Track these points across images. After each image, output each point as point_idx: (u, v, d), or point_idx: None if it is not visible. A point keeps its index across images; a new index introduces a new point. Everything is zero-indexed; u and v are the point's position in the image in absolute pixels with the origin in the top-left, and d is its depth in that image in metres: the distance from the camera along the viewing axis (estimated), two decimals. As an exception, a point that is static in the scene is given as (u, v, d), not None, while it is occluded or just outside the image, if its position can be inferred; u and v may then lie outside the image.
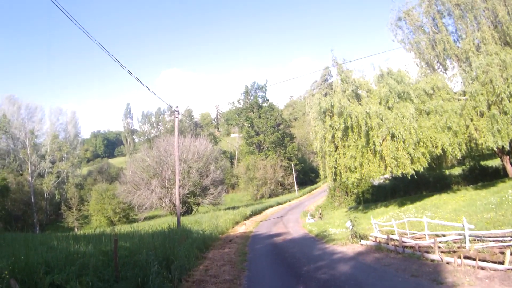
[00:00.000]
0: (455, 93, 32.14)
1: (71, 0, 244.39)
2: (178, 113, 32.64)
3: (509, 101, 26.58)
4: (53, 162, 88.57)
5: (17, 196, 76.26)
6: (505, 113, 26.58)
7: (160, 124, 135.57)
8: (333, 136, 32.21)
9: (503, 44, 30.44)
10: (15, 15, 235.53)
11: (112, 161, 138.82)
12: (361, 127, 30.52)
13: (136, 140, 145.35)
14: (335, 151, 32.70)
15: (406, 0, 36.68)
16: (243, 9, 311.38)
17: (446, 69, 35.10)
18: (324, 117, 33.05)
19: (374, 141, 29.76)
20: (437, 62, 35.09)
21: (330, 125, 32.17)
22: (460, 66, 32.26)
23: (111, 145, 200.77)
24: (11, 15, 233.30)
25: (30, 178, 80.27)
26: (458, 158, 32.07)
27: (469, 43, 30.91)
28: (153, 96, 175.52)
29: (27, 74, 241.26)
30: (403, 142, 28.55)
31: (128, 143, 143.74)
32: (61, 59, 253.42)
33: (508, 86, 26.72)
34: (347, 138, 31.87)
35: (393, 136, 28.94)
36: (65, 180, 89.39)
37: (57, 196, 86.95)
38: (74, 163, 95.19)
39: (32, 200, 78.16)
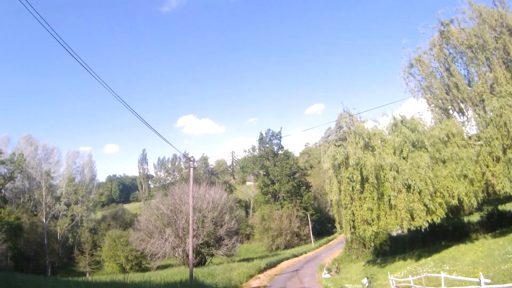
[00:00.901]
0: (470, 138, 31.72)
1: (91, 48, 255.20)
2: (194, 163, 32.59)
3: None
4: (68, 205, 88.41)
5: (30, 237, 75.77)
6: (520, 156, 25.95)
7: (175, 171, 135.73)
8: (351, 188, 31.47)
9: (515, 83, 30.04)
10: (38, 57, 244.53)
11: (127, 206, 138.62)
12: (377, 178, 30.00)
13: (151, 186, 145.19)
14: (352, 203, 31.91)
15: (417, 46, 36.72)
16: (259, 57, 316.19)
17: (460, 114, 34.76)
18: (339, 169, 32.56)
19: (389, 194, 29.03)
20: (451, 107, 34.74)
21: (346, 177, 31.60)
22: (475, 110, 31.85)
23: (126, 190, 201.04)
24: (34, 56, 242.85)
25: (44, 219, 79.89)
26: (475, 206, 31.28)
27: (482, 85, 30.76)
28: (169, 141, 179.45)
29: (46, 116, 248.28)
30: (419, 193, 27.85)
31: (143, 189, 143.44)
32: (81, 103, 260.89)
33: None
34: (363, 190, 31.17)
35: (408, 187, 28.28)
36: (79, 224, 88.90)
37: (70, 239, 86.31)
38: (89, 207, 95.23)
39: (45, 242, 77.60)
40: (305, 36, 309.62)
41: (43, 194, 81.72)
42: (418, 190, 27.83)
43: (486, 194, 29.68)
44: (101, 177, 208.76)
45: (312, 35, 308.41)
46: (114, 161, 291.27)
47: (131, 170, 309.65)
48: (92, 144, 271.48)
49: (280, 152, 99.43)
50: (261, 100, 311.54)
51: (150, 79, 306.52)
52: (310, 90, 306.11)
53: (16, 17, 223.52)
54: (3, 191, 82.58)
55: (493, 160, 27.54)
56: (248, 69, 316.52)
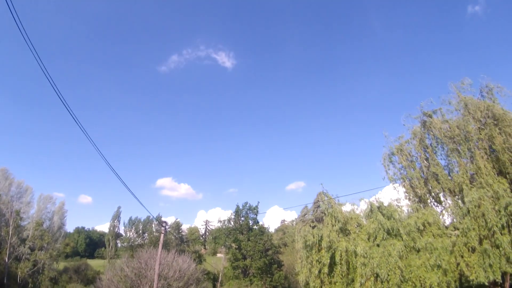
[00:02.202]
0: (447, 227, 31.44)
1: (80, 98, 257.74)
2: (166, 228, 31.56)
3: (501, 234, 25.90)
4: (32, 249, 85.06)
5: (-11, 273, 72.63)
6: (497, 247, 25.78)
7: (146, 233, 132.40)
8: (319, 271, 30.78)
9: (497, 174, 30.19)
10: (30, 96, 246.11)
11: (91, 262, 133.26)
12: (347, 263, 29.61)
13: (119, 245, 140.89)
14: (321, 286, 31.06)
15: (399, 135, 37.00)
16: (245, 129, 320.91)
17: (438, 203, 34.69)
18: (311, 250, 31.81)
19: (359, 281, 28.32)
20: (429, 196, 34.70)
21: (317, 260, 30.93)
22: (453, 200, 31.87)
23: (93, 244, 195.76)
24: (25, 94, 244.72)
25: (6, 259, 77.09)
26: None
27: (462, 176, 30.72)
28: (144, 202, 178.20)
29: (24, 152, 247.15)
30: (387, 282, 27.27)
31: (111, 247, 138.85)
32: (62, 149, 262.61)
33: (500, 218, 26.19)
34: (333, 274, 30.55)
35: (377, 276, 27.67)
36: (40, 271, 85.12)
37: (30, 284, 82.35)
38: (53, 256, 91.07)
39: (5, 282, 74.56)
40: (293, 112, 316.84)
41: (10, 233, 79.49)
42: (387, 279, 27.27)
43: (459, 284, 28.98)
44: (70, 227, 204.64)
45: (300, 113, 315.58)
46: (85, 212, 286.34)
47: (100, 223, 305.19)
48: (66, 191, 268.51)
49: (255, 227, 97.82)
50: (243, 172, 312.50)
51: (135, 135, 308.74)
52: (293, 167, 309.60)
53: (15, 54, 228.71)
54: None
55: (469, 250, 27.06)
56: (233, 140, 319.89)
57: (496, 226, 25.92)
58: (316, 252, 31.46)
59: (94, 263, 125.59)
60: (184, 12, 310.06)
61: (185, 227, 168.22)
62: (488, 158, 30.64)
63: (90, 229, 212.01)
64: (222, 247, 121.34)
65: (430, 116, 34.67)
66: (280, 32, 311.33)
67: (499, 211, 26.48)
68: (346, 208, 35.02)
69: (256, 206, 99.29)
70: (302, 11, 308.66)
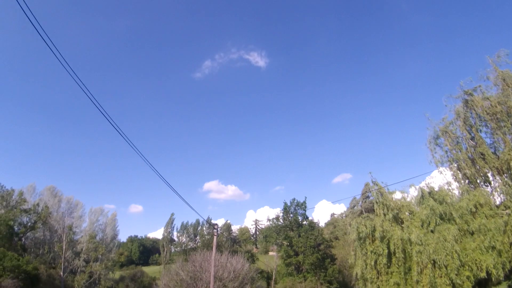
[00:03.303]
0: (498, 207, 30.83)
1: (123, 110, 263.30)
2: (217, 231, 32.20)
3: (553, 210, 25.07)
4: (87, 261, 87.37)
5: (47, 288, 74.63)
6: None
7: (197, 236, 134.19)
8: (375, 262, 30.62)
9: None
10: (72, 115, 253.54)
11: (145, 269, 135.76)
12: (404, 252, 29.24)
13: (172, 250, 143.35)
14: (378, 278, 30.82)
15: (442, 116, 36.55)
16: (286, 125, 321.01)
17: (488, 183, 33.98)
18: (365, 242, 31.66)
19: (416, 269, 28.10)
20: (478, 176, 34.03)
21: (371, 251, 30.76)
22: (502, 178, 31.33)
23: (146, 252, 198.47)
24: (67, 113, 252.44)
25: (62, 273, 79.16)
26: (502, 278, 29.91)
27: (509, 153, 30.33)
28: (193, 206, 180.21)
29: (72, 170, 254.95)
30: (446, 267, 27.00)
31: (165, 252, 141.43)
32: (109, 161, 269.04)
33: None
34: (390, 264, 30.26)
35: (434, 262, 27.43)
36: (97, 281, 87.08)
37: None
38: (108, 266, 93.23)
39: None
40: (333, 106, 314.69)
41: (63, 247, 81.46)
42: (445, 265, 27.01)
43: (514, 265, 28.57)
44: (122, 237, 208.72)
45: (339, 106, 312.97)
46: (137, 221, 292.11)
47: (152, 231, 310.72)
48: (116, 202, 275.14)
49: (304, 222, 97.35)
50: (287, 169, 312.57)
51: (180, 142, 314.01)
52: (338, 160, 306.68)
53: (52, 72, 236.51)
54: (23, 239, 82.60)
55: (522, 229, 26.65)
56: (275, 138, 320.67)
57: (548, 202, 25.40)
58: (370, 243, 31.28)
59: (149, 270, 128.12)
60: (213, 17, 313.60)
61: (235, 228, 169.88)
62: (533, 133, 30.08)
63: (143, 237, 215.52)
64: (274, 245, 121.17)
65: (471, 95, 34.18)
66: (309, 25, 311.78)
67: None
68: (397, 196, 34.76)
69: (304, 202, 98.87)
70: (330, 2, 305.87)
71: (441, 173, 35.86)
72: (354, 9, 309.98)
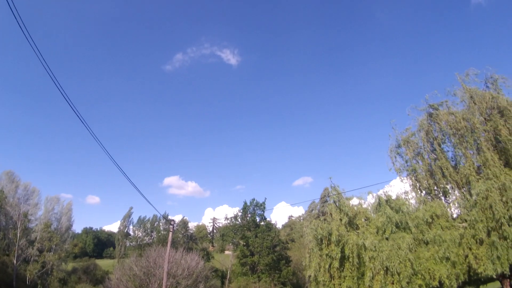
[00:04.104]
0: (454, 220, 31.47)
1: (86, 99, 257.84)
2: (173, 227, 31.72)
3: (509, 225, 25.90)
4: (40, 251, 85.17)
5: (-1, 276, 72.74)
6: (505, 238, 25.80)
7: (154, 231, 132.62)
8: (329, 266, 30.63)
9: (504, 165, 30.20)
10: (36, 97, 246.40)
11: (99, 262, 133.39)
12: (358, 257, 29.37)
13: (128, 244, 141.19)
14: (330, 281, 30.88)
15: (405, 127, 37.02)
16: (251, 126, 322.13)
17: (445, 195, 34.63)
18: (321, 245, 31.70)
19: (369, 274, 28.29)
20: (436, 188, 34.66)
21: (326, 254, 30.81)
22: (460, 192, 31.90)
23: (101, 245, 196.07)
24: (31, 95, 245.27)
25: (15, 261, 77.18)
26: (455, 288, 30.63)
27: (469, 168, 30.79)
28: (152, 200, 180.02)
29: (30, 154, 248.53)
30: (398, 275, 27.26)
31: (120, 246, 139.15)
32: (68, 150, 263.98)
33: (508, 210, 26.22)
34: (343, 268, 30.37)
35: (387, 269, 27.69)
36: (49, 272, 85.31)
37: (39, 286, 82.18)
38: (61, 257, 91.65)
39: (14, 284, 74.52)
40: (300, 110, 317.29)
41: (18, 235, 79.61)
42: (397, 272, 27.26)
43: (467, 276, 29.09)
44: (77, 228, 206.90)
45: (306, 110, 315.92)
46: (93, 213, 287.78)
47: (108, 223, 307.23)
48: (73, 192, 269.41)
49: (262, 223, 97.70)
50: (250, 169, 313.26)
51: (143, 134, 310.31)
52: (300, 163, 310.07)
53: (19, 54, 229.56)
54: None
55: (477, 242, 27.16)
56: (239, 137, 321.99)
57: (504, 217, 25.89)
58: (325, 246, 31.27)
59: (103, 263, 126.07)
60: (188, 11, 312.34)
61: (192, 225, 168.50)
62: (494, 150, 30.68)
63: (98, 229, 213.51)
64: (230, 244, 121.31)
65: (436, 108, 34.66)
66: (284, 27, 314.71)
67: (507, 203, 26.47)
68: (354, 202, 35.06)
69: (263, 203, 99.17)
70: (307, 5, 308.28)
71: (401, 181, 36.39)
72: (330, 18, 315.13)
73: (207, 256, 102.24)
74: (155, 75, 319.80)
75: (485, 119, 32.00)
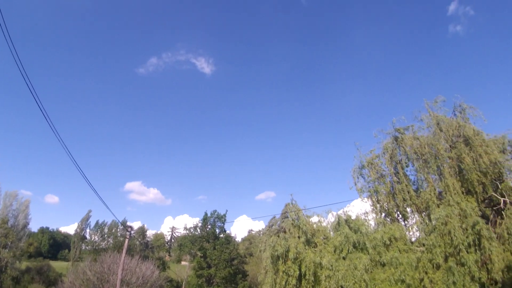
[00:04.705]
0: (413, 243, 31.62)
1: (52, 98, 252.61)
2: (130, 234, 30.81)
3: (467, 252, 25.88)
4: None
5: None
6: (462, 265, 25.70)
7: (111, 237, 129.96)
8: (285, 282, 30.24)
9: (465, 193, 30.48)
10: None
11: (54, 263, 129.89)
12: (315, 275, 29.29)
13: (83, 247, 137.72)
14: (286, 298, 30.64)
15: (370, 148, 37.15)
16: (216, 137, 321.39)
17: (405, 219, 34.75)
18: (278, 261, 31.36)
19: (324, 293, 28.22)
20: (397, 211, 34.74)
21: (283, 271, 30.44)
22: (420, 216, 32.19)
23: (56, 246, 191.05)
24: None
25: None
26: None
27: (430, 193, 30.98)
28: (111, 205, 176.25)
29: None
30: (354, 294, 27.13)
31: (76, 249, 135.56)
32: (30, 146, 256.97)
33: (467, 237, 26.21)
34: (299, 285, 30.08)
35: (342, 288, 27.52)
36: (3, 269, 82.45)
37: None
38: (16, 255, 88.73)
39: None
40: (268, 125, 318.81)
41: (-27, 230, 76.61)
42: (353, 292, 27.11)
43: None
44: (34, 227, 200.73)
45: (274, 125, 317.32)
46: (51, 212, 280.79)
47: (65, 225, 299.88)
48: (33, 189, 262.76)
49: (222, 235, 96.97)
50: (213, 179, 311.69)
51: (107, 136, 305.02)
52: (265, 177, 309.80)
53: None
54: None
55: (433, 267, 27.09)
56: (205, 147, 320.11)
57: (463, 244, 25.98)
58: (282, 263, 31.00)
59: (57, 265, 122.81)
60: (167, 16, 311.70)
61: (150, 233, 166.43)
62: (457, 177, 30.95)
63: (55, 230, 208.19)
64: (187, 255, 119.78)
65: (402, 133, 34.93)
66: (260, 41, 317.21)
67: (466, 230, 26.59)
68: (314, 219, 35.11)
69: (224, 215, 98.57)
70: (284, 20, 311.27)
71: (362, 200, 36.45)
72: (306, 34, 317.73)
73: (163, 266, 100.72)
74: (126, 77, 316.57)
75: (450, 146, 32.39)
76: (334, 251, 30.24)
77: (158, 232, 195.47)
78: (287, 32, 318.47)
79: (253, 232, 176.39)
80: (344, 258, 29.23)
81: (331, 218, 34.29)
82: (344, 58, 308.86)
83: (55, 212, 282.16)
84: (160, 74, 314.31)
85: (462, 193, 30.22)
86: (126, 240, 31.89)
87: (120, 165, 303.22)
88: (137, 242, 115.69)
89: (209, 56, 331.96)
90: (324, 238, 33.04)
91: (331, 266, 28.50)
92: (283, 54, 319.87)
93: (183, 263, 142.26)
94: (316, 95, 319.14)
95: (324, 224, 34.57)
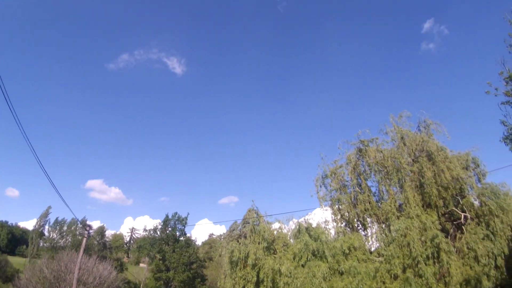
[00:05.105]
0: (371, 253, 31.87)
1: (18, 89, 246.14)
2: (89, 233, 30.14)
3: (426, 264, 26.23)
4: None
5: None
6: (420, 276, 26.04)
7: (69, 235, 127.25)
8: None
9: (426, 206, 31.02)
10: None
11: (12, 259, 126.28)
12: (273, 282, 29.31)
13: (41, 244, 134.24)
14: (243, 304, 30.57)
15: (334, 158, 37.38)
16: (182, 137, 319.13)
17: (365, 229, 35.18)
18: (237, 267, 31.39)
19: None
20: (357, 221, 35.14)
21: (241, 277, 30.61)
22: (380, 227, 32.56)
23: (15, 241, 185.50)
24: None
25: None
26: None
27: (391, 205, 31.34)
28: (71, 202, 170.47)
29: None
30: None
31: (34, 246, 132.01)
32: None
33: (426, 249, 26.60)
34: (258, 291, 30.09)
35: (300, 295, 27.61)
36: None
37: None
38: None
39: None
40: (236, 130, 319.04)
41: None
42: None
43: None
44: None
45: (242, 129, 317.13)
46: (10, 206, 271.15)
47: (25, 220, 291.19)
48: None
49: (182, 238, 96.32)
50: (176, 181, 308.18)
51: (71, 131, 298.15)
52: (228, 182, 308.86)
53: None
54: None
55: (391, 277, 27.41)
56: (170, 148, 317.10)
57: (421, 256, 26.33)
58: (241, 268, 31.08)
59: (15, 261, 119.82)
60: (142, 12, 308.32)
61: (110, 233, 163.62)
62: (418, 190, 31.46)
63: (14, 224, 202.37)
64: (146, 257, 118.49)
65: (367, 145, 35.33)
66: (233, 47, 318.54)
67: (425, 242, 27.00)
68: (276, 226, 35.31)
69: (186, 217, 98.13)
70: (258, 29, 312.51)
71: (322, 208, 36.61)
72: (279, 45, 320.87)
73: (121, 267, 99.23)
74: (95, 72, 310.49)
75: (413, 160, 32.99)
76: (294, 259, 30.24)
77: (118, 232, 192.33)
78: (261, 39, 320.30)
79: (214, 236, 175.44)
80: (303, 266, 29.25)
81: (292, 225, 34.39)
82: (316, 69, 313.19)
83: (15, 206, 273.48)
84: (130, 71, 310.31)
85: (423, 206, 30.78)
86: (84, 239, 31.28)
87: (82, 162, 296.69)
88: (96, 242, 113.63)
89: (182, 56, 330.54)
90: (284, 245, 33.09)
91: (290, 273, 28.51)
92: (255, 62, 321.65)
93: (141, 265, 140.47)
94: (285, 104, 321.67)
95: (285, 231, 34.66)
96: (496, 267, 27.96)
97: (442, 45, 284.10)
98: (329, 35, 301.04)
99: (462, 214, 30.62)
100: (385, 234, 30.55)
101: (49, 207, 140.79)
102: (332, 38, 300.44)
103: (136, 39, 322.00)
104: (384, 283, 27.47)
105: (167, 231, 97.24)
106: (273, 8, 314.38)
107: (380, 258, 29.37)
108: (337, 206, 35.95)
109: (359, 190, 34.61)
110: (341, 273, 29.01)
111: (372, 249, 33.14)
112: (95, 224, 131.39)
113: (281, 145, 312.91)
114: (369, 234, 34.42)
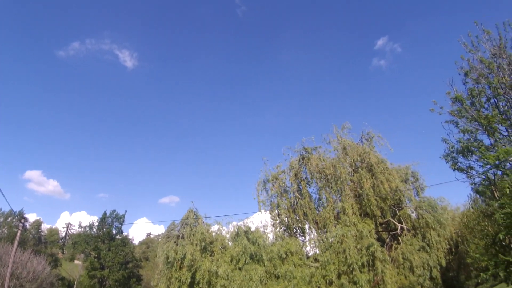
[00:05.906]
0: (308, 258, 32.42)
1: None
2: (24, 226, 28.93)
3: (361, 272, 27.00)
4: None
5: None
6: (355, 283, 26.72)
7: (5, 227, 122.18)
8: (178, 289, 30.00)
9: (363, 215, 31.86)
10: None
11: None
12: (209, 284, 29.23)
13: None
14: (178, 305, 30.24)
15: (277, 163, 37.85)
16: (125, 132, 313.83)
17: (303, 234, 35.84)
18: (172, 267, 31.04)
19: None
20: (296, 226, 35.79)
21: (176, 278, 30.26)
22: (318, 233, 33.10)
23: None
24: None
25: None
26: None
27: (329, 212, 32.15)
28: (8, 192, 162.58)
29: None
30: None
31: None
32: None
33: (361, 257, 27.45)
34: (194, 293, 29.87)
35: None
36: None
37: None
38: None
39: None
40: (185, 130, 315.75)
41: None
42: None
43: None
44: None
45: (189, 130, 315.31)
46: None
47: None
48: None
49: (118, 236, 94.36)
50: (116, 178, 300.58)
51: (10, 116, 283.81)
52: (169, 181, 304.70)
53: None
54: None
55: (326, 283, 28.06)
56: (114, 144, 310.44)
57: (356, 263, 27.05)
58: (177, 269, 30.78)
59: None
60: (97, 1, 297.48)
61: (45, 227, 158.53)
62: (356, 200, 32.24)
63: None
64: (81, 254, 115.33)
65: (310, 152, 35.92)
66: (190, 50, 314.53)
67: (361, 250, 27.75)
68: (214, 228, 35.20)
69: (123, 215, 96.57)
70: (218, 35, 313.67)
71: (261, 212, 36.77)
72: (235, 50, 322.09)
73: (55, 263, 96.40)
74: (43, 58, 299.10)
75: (353, 170, 33.95)
76: (231, 261, 30.32)
77: (53, 227, 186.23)
78: (217, 42, 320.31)
79: (152, 236, 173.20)
80: (240, 269, 29.39)
81: (231, 228, 34.43)
82: (269, 75, 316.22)
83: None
84: (80, 59, 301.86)
85: (361, 215, 31.66)
86: (19, 232, 30.31)
87: (21, 151, 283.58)
88: (31, 235, 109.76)
89: (135, 50, 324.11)
90: (222, 248, 33.02)
91: (227, 276, 28.60)
92: (209, 65, 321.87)
93: (76, 262, 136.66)
94: (234, 108, 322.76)
95: (224, 233, 34.51)
96: (431, 278, 29.07)
97: (393, 62, 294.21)
98: (285, 43, 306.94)
99: (399, 225, 31.66)
100: (323, 240, 31.17)
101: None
102: (288, 46, 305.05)
103: (88, 27, 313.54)
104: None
105: (104, 229, 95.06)
106: (233, 11, 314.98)
107: (316, 264, 29.86)
108: (276, 211, 36.30)
109: (299, 196, 35.12)
110: (277, 277, 29.36)
111: (310, 254, 33.66)
112: (32, 217, 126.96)
113: (228, 149, 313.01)
114: (307, 239, 35.12)
